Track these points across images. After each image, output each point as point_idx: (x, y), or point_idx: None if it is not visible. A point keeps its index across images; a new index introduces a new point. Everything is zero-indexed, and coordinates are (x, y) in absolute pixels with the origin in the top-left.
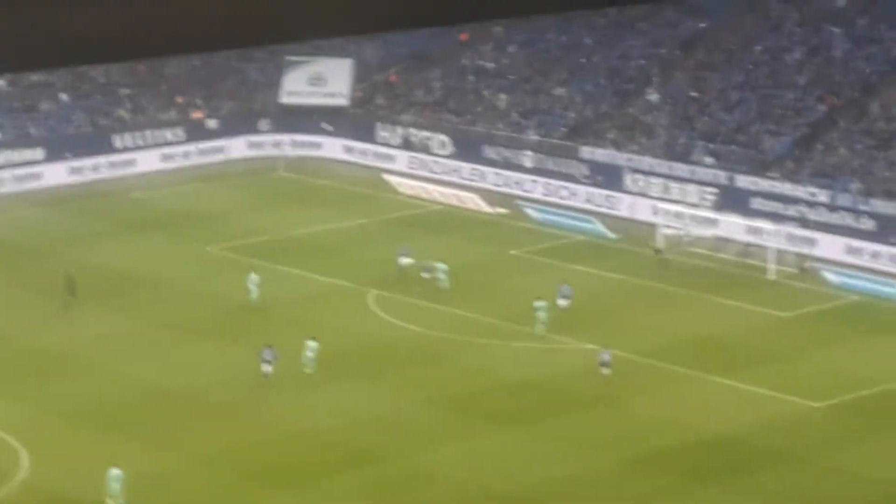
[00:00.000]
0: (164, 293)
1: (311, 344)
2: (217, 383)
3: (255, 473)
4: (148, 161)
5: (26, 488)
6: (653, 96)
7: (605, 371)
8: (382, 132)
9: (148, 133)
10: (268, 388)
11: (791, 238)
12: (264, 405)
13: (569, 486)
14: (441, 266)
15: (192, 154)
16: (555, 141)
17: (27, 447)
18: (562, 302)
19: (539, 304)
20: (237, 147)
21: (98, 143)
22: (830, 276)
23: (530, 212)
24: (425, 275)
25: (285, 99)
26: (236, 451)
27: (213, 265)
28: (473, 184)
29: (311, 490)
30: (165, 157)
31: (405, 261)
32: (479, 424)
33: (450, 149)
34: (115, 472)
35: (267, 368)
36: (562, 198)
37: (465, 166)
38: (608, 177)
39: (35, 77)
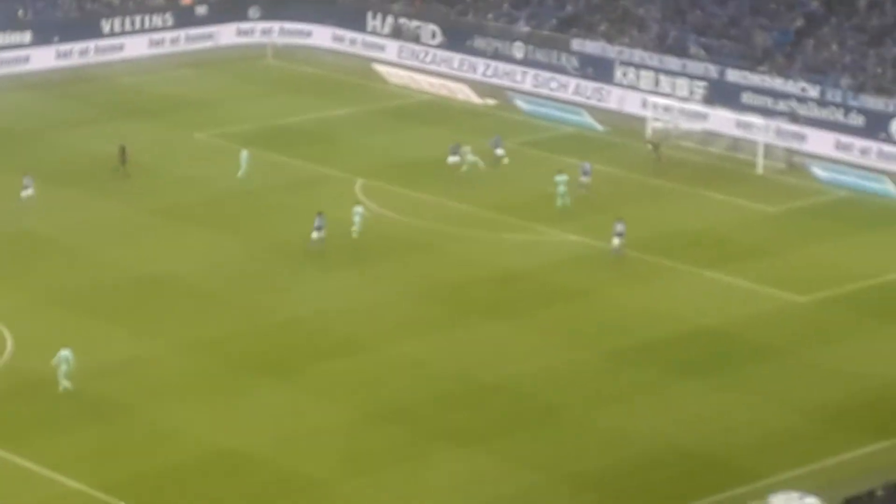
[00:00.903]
0: (152, 179)
1: (359, 209)
2: (204, 270)
3: (242, 360)
4: (136, 46)
5: (9, 371)
6: None
7: (617, 241)
8: (372, 21)
9: (136, 18)
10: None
11: (780, 133)
12: (251, 293)
13: (554, 377)
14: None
15: (180, 40)
16: (545, 33)
17: (11, 331)
18: (584, 179)
19: (560, 178)
20: (226, 34)
21: (86, 28)
22: (819, 172)
23: (519, 103)
24: (471, 158)
25: None
26: (222, 338)
27: (201, 152)
28: (463, 74)
29: (297, 377)
30: (154, 43)
31: (499, 152)
32: (465, 315)
33: (440, 39)
34: (64, 353)
35: (316, 235)
36: (551, 90)
37: (455, 57)
38: (598, 69)
39: None
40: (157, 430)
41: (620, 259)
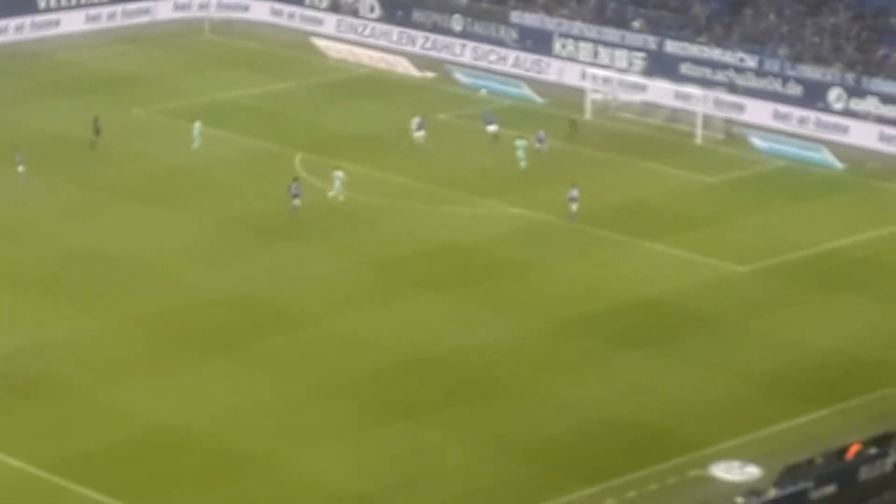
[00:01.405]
0: (91, 156)
1: (339, 174)
2: (148, 247)
3: (185, 337)
4: (72, 22)
5: None
6: None
7: (574, 206)
8: None
9: None
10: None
11: (719, 103)
12: (193, 269)
13: (494, 350)
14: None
15: (117, 15)
16: (484, 5)
17: None
18: (540, 146)
19: (519, 142)
20: (163, 9)
21: (21, 3)
22: (757, 142)
23: (459, 76)
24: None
25: None
26: (165, 314)
27: (140, 128)
28: (402, 48)
29: (239, 352)
30: (90, 18)
31: (492, 128)
32: (405, 289)
33: (378, 12)
34: None
35: (296, 202)
36: (490, 62)
37: (394, 30)
38: (537, 41)
39: None
40: (101, 407)
41: (573, 225)
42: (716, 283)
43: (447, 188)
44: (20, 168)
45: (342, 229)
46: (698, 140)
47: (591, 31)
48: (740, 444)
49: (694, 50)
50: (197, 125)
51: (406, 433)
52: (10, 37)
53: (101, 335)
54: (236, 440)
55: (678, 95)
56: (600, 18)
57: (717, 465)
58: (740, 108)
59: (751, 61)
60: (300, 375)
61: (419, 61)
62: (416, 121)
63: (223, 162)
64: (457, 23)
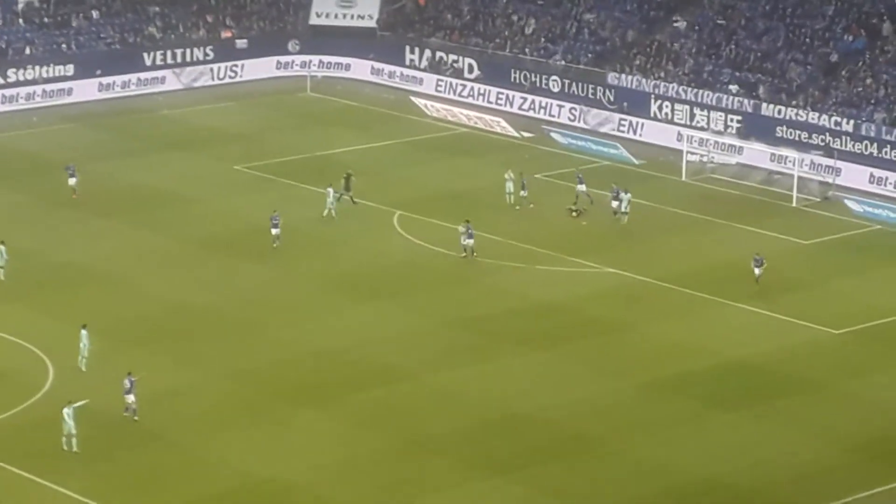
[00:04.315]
0: (190, 211)
1: (330, 190)
2: (243, 301)
3: (279, 390)
4: (176, 79)
5: (50, 399)
6: (680, 23)
7: (470, 242)
8: (410, 55)
9: (178, 51)
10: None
11: (815, 166)
12: (289, 323)
13: (588, 408)
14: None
15: (221, 73)
16: (582, 66)
17: (52, 360)
18: (615, 204)
19: (624, 195)
20: (266, 67)
21: (128, 61)
22: (853, 205)
23: (556, 136)
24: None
25: (314, 20)
26: (259, 367)
27: (239, 184)
28: (500, 108)
29: (334, 407)
30: (193, 76)
31: (581, 188)
32: (498, 346)
33: (477, 72)
34: (66, 409)
35: (275, 231)
36: (587, 123)
37: (492, 90)
38: (634, 103)
39: None
40: (196, 459)
41: (471, 260)
42: (810, 345)
43: (542, 246)
44: (73, 181)
45: (437, 286)
46: (794, 203)
47: (688, 93)
48: None
49: (790, 113)
50: (330, 190)
51: (496, 490)
52: (117, 93)
53: (196, 387)
54: (330, 493)
55: (774, 158)
56: (697, 81)
57: None
58: (836, 171)
59: (847, 125)
60: (392, 430)
61: (517, 121)
62: (510, 177)
63: (321, 218)
64: (554, 84)
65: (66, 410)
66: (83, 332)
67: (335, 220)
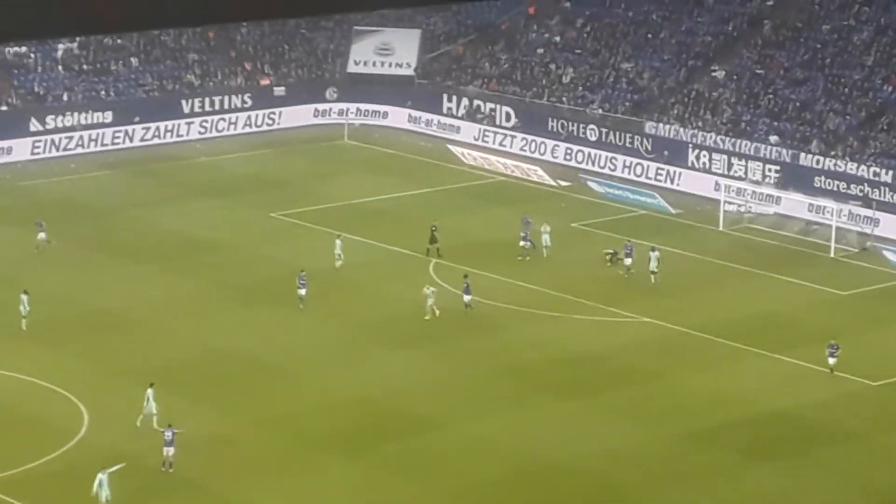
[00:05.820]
0: (227, 258)
1: (337, 242)
2: (278, 348)
3: (312, 438)
4: (215, 126)
5: (85, 446)
6: (718, 73)
7: (468, 297)
8: (448, 103)
9: (216, 98)
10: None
11: (853, 217)
12: (323, 370)
13: (624, 458)
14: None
15: (258, 120)
16: (619, 115)
17: (87, 406)
18: (627, 261)
19: (652, 254)
20: (303, 114)
21: (166, 108)
22: (891, 256)
23: (593, 185)
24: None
25: (352, 68)
26: (293, 415)
27: (276, 231)
28: (537, 156)
29: (367, 456)
30: (232, 123)
31: (628, 261)
32: (533, 395)
33: (514, 121)
34: (101, 475)
35: (302, 292)
36: (625, 172)
37: (530, 138)
38: (672, 152)
39: (106, 40)
40: None
41: (470, 313)
42: (848, 396)
43: (577, 296)
44: (41, 236)
45: (470, 334)
46: (831, 253)
47: (726, 142)
48: None
49: (828, 163)
50: (338, 242)
51: None
52: (155, 140)
53: (230, 435)
54: None
55: (812, 208)
56: (734, 130)
57: None
58: (874, 222)
59: (886, 176)
60: (427, 478)
61: (554, 170)
62: (547, 231)
63: (358, 266)
64: (592, 133)
65: (100, 476)
66: (149, 391)
67: (338, 270)
